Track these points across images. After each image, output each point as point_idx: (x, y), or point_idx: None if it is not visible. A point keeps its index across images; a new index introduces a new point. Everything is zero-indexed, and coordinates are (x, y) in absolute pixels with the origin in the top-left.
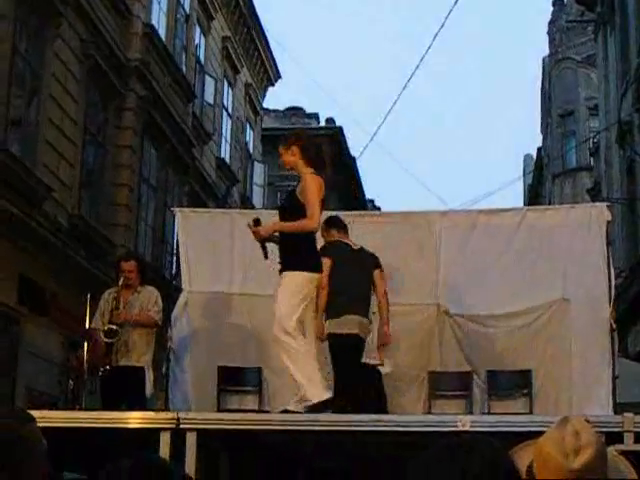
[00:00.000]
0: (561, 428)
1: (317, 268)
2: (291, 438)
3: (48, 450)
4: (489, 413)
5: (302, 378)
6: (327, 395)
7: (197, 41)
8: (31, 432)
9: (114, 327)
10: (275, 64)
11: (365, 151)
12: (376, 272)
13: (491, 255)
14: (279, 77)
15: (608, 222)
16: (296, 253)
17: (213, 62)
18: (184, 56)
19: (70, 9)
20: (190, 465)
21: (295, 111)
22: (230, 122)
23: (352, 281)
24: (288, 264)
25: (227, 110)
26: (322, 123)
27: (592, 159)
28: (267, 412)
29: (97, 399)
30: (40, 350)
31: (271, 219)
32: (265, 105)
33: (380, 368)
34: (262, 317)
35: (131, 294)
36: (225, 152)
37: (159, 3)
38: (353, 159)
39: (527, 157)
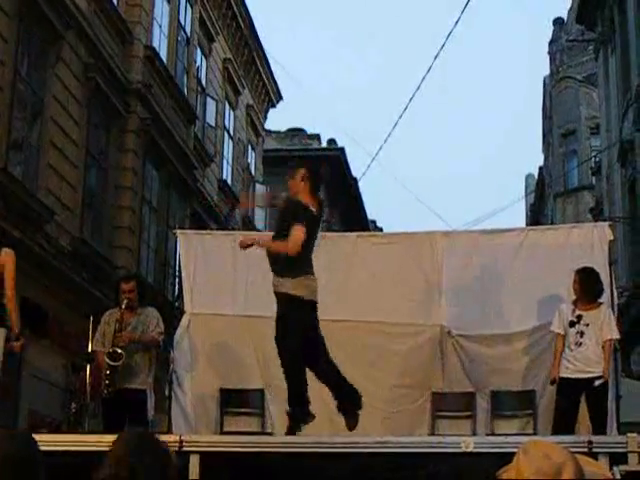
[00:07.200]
0: (529, 457)
1: None
2: (294, 460)
3: (51, 474)
4: (493, 434)
5: None
6: None
7: (198, 63)
8: None
9: (118, 350)
10: (276, 85)
11: (367, 172)
12: None
13: (493, 275)
14: (280, 98)
15: (610, 241)
16: None
17: (214, 84)
18: (185, 78)
19: (71, 32)
20: None
21: (297, 132)
22: (232, 144)
23: None
24: None
25: (229, 132)
26: (324, 144)
27: (594, 178)
28: (270, 434)
29: (99, 422)
30: (43, 372)
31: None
32: (267, 126)
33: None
34: (264, 338)
35: (132, 316)
36: (227, 174)
37: (160, 26)
38: (355, 180)
39: (529, 177)
